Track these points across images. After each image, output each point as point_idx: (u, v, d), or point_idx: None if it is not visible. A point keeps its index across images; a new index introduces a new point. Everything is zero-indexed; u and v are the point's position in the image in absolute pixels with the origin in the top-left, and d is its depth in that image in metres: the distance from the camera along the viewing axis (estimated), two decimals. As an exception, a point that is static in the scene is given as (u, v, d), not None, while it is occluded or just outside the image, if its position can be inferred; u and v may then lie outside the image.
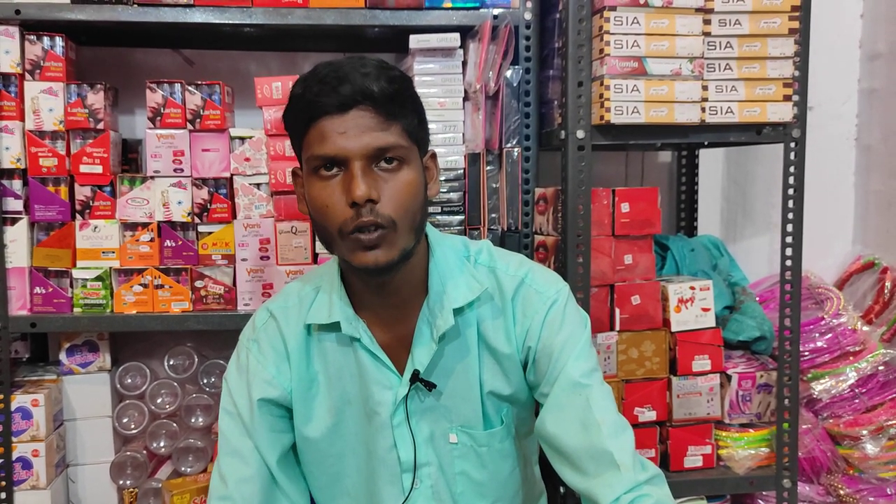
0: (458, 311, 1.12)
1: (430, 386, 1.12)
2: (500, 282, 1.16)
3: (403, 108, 1.04)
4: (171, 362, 1.82)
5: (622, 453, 1.04)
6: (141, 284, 1.65)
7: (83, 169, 1.62)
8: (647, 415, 1.64)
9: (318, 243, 1.64)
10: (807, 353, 1.86)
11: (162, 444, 1.76)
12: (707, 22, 1.53)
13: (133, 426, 1.76)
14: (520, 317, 1.15)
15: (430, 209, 1.63)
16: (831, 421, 1.86)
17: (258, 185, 1.66)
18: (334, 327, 1.14)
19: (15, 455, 1.61)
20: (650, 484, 1.04)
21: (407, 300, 1.13)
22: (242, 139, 1.65)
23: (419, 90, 1.12)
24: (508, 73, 1.66)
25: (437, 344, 1.11)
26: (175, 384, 1.79)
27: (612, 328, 1.63)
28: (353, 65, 1.01)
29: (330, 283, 1.16)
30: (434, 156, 1.14)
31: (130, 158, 1.81)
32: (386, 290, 1.11)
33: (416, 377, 1.11)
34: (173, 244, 1.65)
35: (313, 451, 1.18)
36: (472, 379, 1.15)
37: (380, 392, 1.13)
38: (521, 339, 1.15)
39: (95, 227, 1.63)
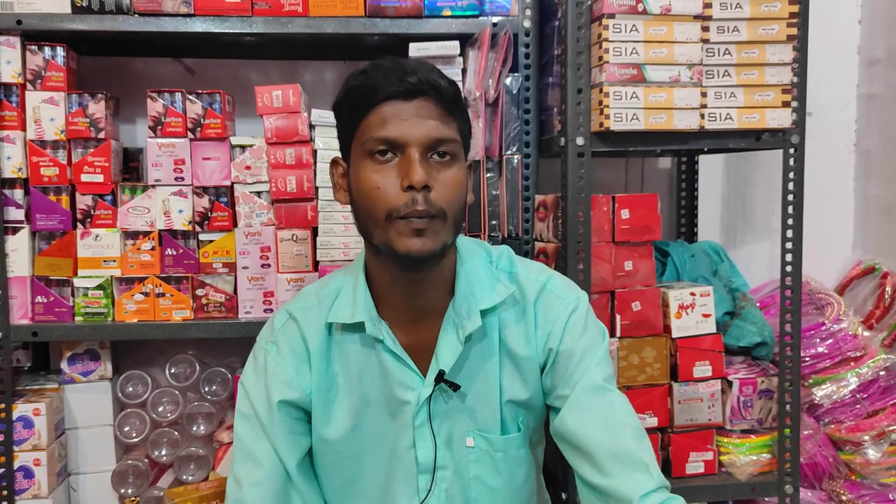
0: (482, 314, 1.13)
1: (455, 387, 1.13)
2: (522, 287, 1.18)
3: (460, 108, 1.08)
4: (173, 370, 1.82)
5: (648, 456, 1.06)
6: (142, 293, 1.65)
7: (84, 178, 1.62)
8: (649, 421, 1.64)
9: (319, 251, 1.64)
10: (808, 359, 1.86)
11: (163, 452, 1.76)
12: (706, 29, 1.53)
13: (134, 435, 1.76)
14: (541, 320, 1.16)
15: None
16: (833, 426, 1.86)
17: (259, 194, 1.66)
18: (356, 328, 1.14)
19: (16, 464, 1.61)
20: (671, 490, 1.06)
21: (432, 300, 1.14)
22: (243, 147, 1.65)
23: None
24: (508, 81, 1.66)
25: (462, 345, 1.12)
26: (176, 392, 1.79)
27: (612, 335, 1.63)
28: (418, 62, 1.05)
29: (353, 284, 1.16)
30: (471, 166, 1.17)
31: (131, 167, 1.82)
32: (414, 287, 1.12)
33: (440, 377, 1.12)
34: (174, 252, 1.65)
35: (331, 453, 1.18)
36: (492, 383, 1.16)
37: (402, 393, 1.14)
38: (542, 341, 1.16)
39: (97, 236, 1.64)
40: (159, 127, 1.63)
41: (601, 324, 1.20)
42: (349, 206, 1.12)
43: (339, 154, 1.16)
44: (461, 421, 1.16)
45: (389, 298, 1.14)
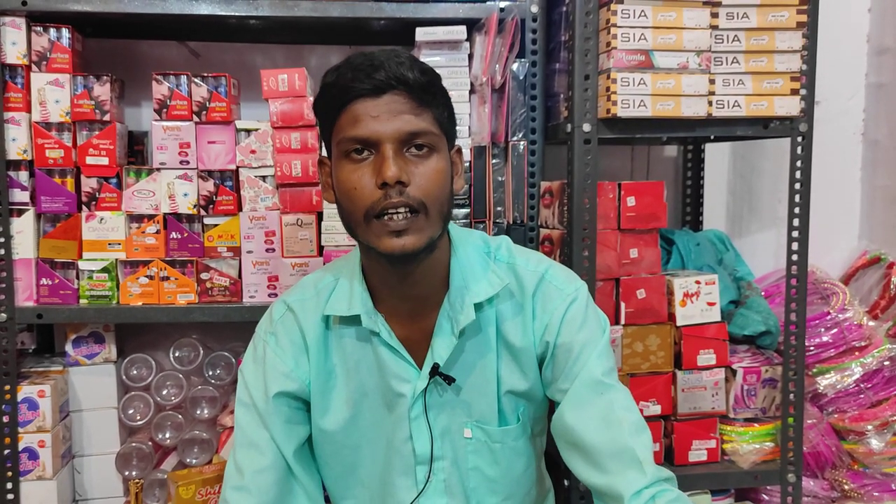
0: (478, 307, 1.12)
1: (450, 380, 1.12)
2: (521, 278, 1.16)
3: (435, 97, 1.06)
4: (177, 354, 1.82)
5: (644, 451, 1.05)
6: (147, 276, 1.65)
7: (89, 160, 1.62)
8: (652, 409, 1.64)
9: (323, 236, 1.64)
10: (812, 348, 1.86)
11: (167, 435, 1.76)
12: (715, 15, 1.52)
13: (139, 417, 1.77)
14: (539, 312, 1.15)
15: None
16: (836, 416, 1.86)
17: (264, 178, 1.66)
18: (353, 321, 1.14)
19: (21, 445, 1.62)
20: (669, 482, 1.05)
21: (427, 294, 1.13)
22: (248, 131, 1.65)
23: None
24: (514, 67, 1.66)
25: (457, 338, 1.12)
26: (180, 376, 1.79)
27: (617, 322, 1.62)
28: (388, 54, 1.03)
29: (350, 276, 1.16)
30: (459, 151, 1.14)
31: (136, 150, 1.81)
32: (407, 282, 1.11)
33: (435, 371, 1.12)
34: (179, 236, 1.65)
35: (329, 443, 1.18)
36: (489, 375, 1.16)
37: (398, 385, 1.14)
38: (540, 333, 1.15)
39: (101, 219, 1.64)
40: (164, 110, 1.62)
41: (602, 314, 1.19)
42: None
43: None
44: (458, 413, 1.16)
45: (385, 291, 1.14)
